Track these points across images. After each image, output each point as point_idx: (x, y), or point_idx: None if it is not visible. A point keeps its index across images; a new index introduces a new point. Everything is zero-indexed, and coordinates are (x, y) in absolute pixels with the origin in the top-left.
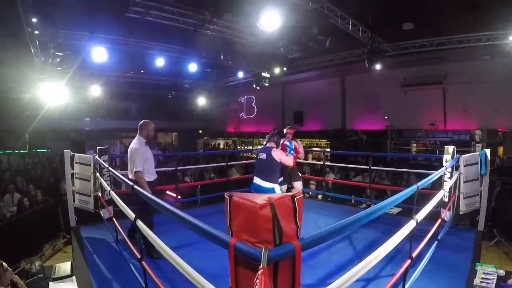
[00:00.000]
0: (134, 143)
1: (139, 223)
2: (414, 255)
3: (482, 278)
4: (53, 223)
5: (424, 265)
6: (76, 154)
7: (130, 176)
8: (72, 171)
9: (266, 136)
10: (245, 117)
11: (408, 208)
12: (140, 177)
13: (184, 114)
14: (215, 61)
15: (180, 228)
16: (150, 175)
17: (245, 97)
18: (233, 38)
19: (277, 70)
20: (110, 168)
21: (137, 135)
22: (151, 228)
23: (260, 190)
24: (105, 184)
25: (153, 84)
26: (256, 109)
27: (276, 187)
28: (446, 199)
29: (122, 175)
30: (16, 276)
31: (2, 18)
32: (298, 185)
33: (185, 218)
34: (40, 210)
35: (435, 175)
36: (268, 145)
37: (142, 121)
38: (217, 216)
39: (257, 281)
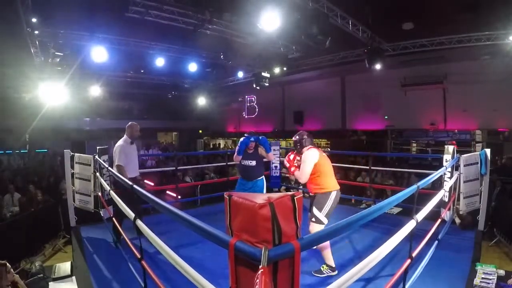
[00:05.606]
0: (119, 141)
1: (139, 223)
2: (414, 255)
3: (482, 278)
4: (53, 223)
5: (424, 265)
6: (76, 154)
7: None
8: (72, 171)
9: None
10: (246, 116)
11: (408, 208)
12: (121, 170)
13: (184, 114)
14: (215, 61)
15: (180, 228)
16: (130, 172)
17: (246, 97)
18: (233, 38)
19: (277, 70)
20: (109, 168)
21: (124, 135)
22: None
23: None
24: (105, 184)
25: (153, 84)
26: (257, 109)
27: None
28: (446, 199)
29: None
30: (17, 275)
31: (2, 18)
32: None
33: (185, 218)
34: (40, 210)
35: (435, 175)
36: None
37: (129, 123)
38: (217, 216)
39: (257, 280)
